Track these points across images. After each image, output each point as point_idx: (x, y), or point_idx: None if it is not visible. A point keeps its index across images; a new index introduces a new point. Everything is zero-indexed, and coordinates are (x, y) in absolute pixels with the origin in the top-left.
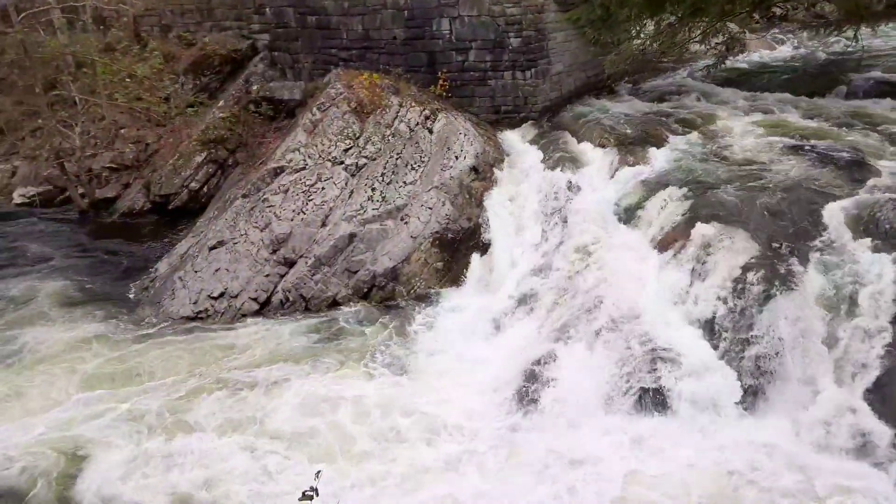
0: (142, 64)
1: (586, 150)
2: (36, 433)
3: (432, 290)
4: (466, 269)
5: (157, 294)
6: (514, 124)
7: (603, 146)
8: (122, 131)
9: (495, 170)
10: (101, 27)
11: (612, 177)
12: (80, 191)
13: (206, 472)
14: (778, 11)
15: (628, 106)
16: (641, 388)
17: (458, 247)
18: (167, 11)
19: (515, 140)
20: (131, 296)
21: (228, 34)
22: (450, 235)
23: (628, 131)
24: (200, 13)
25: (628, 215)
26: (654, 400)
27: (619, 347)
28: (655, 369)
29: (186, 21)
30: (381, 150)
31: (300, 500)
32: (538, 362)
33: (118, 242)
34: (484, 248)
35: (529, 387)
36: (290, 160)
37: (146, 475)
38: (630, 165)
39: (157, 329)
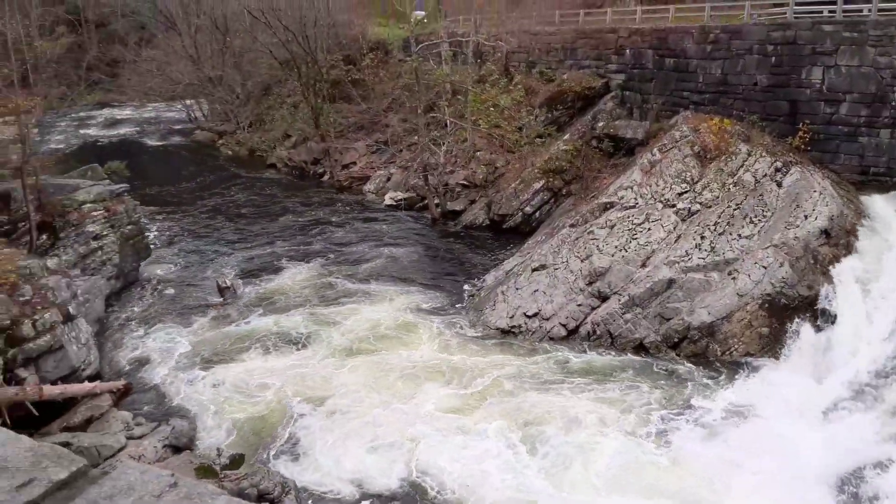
0: (505, 95)
1: None
2: (299, 369)
3: (751, 357)
4: (794, 343)
5: (481, 302)
6: (884, 188)
7: None
8: (478, 154)
9: (852, 237)
10: (478, 60)
11: None
12: (436, 201)
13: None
14: None
15: None
16: None
17: (790, 315)
18: (535, 49)
19: (883, 207)
20: (464, 301)
21: (585, 72)
22: (782, 301)
23: None
24: (564, 52)
25: None
26: None
27: None
28: None
29: (550, 59)
30: (718, 197)
31: None
32: (872, 467)
33: (458, 249)
34: (820, 322)
35: (858, 493)
36: (622, 197)
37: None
38: None
39: (473, 330)
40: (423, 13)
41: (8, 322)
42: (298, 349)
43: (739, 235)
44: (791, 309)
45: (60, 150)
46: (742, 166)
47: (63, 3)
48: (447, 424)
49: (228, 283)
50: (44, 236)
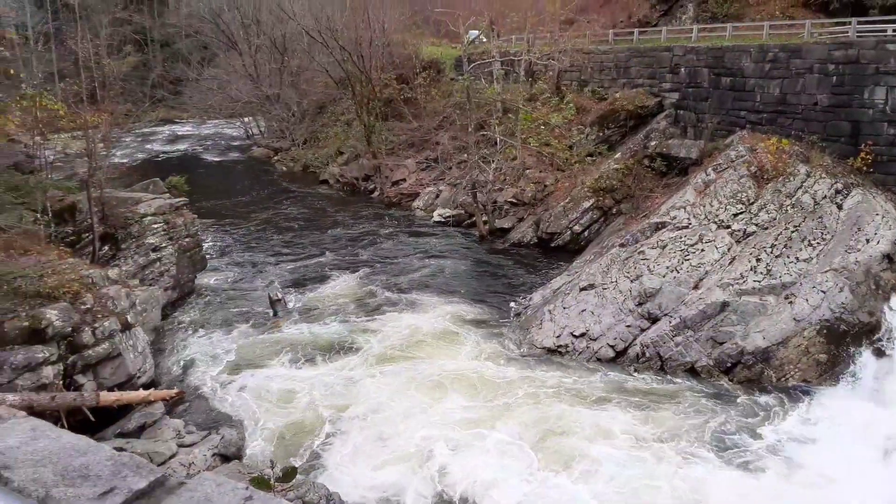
0: (556, 114)
1: None
2: (337, 374)
3: (807, 385)
4: (854, 370)
5: (527, 321)
6: None
7: None
8: (528, 172)
9: None
10: (530, 79)
11: None
12: (484, 218)
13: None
14: None
15: None
16: None
17: (850, 342)
18: (588, 68)
19: None
20: (509, 318)
21: (638, 91)
22: (842, 327)
23: None
24: (617, 70)
25: None
26: None
27: None
28: None
29: (602, 77)
30: (775, 219)
31: None
32: None
33: (505, 266)
34: (882, 349)
35: None
36: (674, 217)
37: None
38: None
39: (518, 349)
40: (477, 32)
41: (69, 329)
42: (341, 357)
43: (797, 258)
44: (851, 335)
45: (124, 165)
46: (800, 187)
47: (130, 23)
48: (481, 435)
49: (280, 296)
50: (106, 247)
